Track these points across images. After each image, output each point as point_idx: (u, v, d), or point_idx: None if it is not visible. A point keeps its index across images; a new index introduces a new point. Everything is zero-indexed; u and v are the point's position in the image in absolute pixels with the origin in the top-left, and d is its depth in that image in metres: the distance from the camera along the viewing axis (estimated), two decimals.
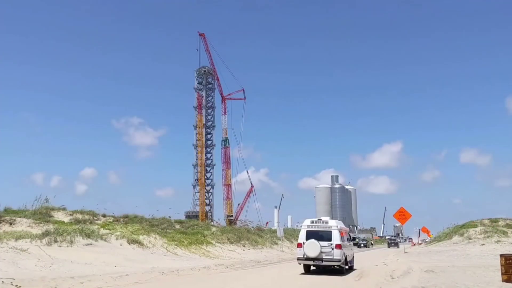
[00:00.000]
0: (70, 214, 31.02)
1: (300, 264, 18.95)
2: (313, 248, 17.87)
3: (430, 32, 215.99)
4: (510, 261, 13.28)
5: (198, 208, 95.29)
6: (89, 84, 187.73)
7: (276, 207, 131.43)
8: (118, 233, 25.21)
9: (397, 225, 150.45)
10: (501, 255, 13.74)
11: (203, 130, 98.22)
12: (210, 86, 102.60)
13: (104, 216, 33.75)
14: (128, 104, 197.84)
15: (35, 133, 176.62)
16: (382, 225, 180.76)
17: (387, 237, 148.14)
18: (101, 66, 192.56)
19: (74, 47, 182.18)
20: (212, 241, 32.17)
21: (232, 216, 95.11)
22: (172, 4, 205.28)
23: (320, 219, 19.29)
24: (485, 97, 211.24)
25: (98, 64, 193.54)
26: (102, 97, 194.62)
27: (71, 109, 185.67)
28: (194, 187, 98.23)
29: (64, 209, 31.73)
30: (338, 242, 18.01)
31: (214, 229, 40.11)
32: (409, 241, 59.87)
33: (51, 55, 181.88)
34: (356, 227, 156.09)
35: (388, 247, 64.71)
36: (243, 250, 34.17)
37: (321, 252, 17.82)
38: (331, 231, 18.32)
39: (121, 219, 34.49)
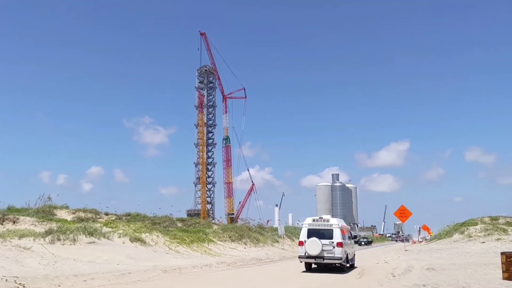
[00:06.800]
0: (73, 213, 31.22)
1: (301, 262, 18.99)
2: (314, 246, 17.92)
3: (438, 32, 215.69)
4: (511, 259, 13.35)
5: (199, 206, 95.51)
6: (96, 85, 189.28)
7: (277, 205, 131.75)
8: (120, 231, 25.31)
9: (398, 223, 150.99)
10: (502, 253, 13.80)
11: (204, 128, 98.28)
12: (211, 85, 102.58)
13: (106, 214, 33.97)
14: (138, 104, 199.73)
15: (47, 133, 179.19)
16: (383, 223, 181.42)
17: (387, 235, 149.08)
18: (106, 67, 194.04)
19: (79, 49, 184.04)
20: (213, 239, 32.27)
21: (233, 214, 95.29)
22: (173, 3, 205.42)
23: (322, 217, 19.23)
24: (492, 97, 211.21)
25: (103, 65, 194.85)
26: (113, 98, 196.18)
27: (79, 109, 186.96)
28: (195, 186, 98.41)
29: (67, 207, 31.95)
30: (340, 240, 18.06)
31: (215, 227, 40.24)
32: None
33: (62, 58, 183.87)
34: (357, 225, 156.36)
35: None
36: (245, 248, 34.25)
37: (322, 250, 17.86)
38: (332, 229, 18.35)
39: (124, 217, 34.68)
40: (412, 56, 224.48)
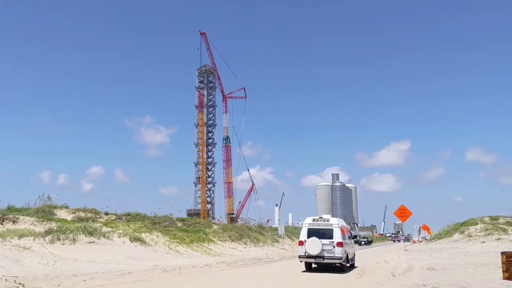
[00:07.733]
0: (73, 212, 31.20)
1: (301, 261, 19.00)
2: (314, 246, 17.92)
3: (439, 31, 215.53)
4: (511, 258, 13.33)
5: (199, 206, 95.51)
6: (97, 85, 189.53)
7: (277, 205, 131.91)
8: (120, 231, 25.30)
9: (398, 222, 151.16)
10: (502, 253, 13.78)
11: (204, 128, 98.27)
12: (211, 84, 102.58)
13: (106, 214, 33.95)
14: (139, 104, 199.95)
15: (47, 132, 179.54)
16: (383, 222, 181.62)
17: (387, 235, 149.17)
18: (107, 66, 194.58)
19: (79, 49, 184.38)
20: (213, 239, 32.26)
21: (233, 214, 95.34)
22: (173, 2, 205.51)
23: (322, 217, 19.25)
24: (492, 97, 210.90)
25: (104, 64, 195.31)
26: (114, 98, 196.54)
27: (79, 109, 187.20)
28: (195, 185, 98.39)
29: (66, 207, 31.93)
30: (340, 240, 18.06)
31: (215, 227, 40.21)
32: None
33: (62, 58, 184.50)
34: (357, 225, 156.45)
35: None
36: (245, 247, 34.25)
37: (322, 250, 17.87)
38: (332, 229, 18.35)
39: (124, 217, 34.67)
40: (413, 55, 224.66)
